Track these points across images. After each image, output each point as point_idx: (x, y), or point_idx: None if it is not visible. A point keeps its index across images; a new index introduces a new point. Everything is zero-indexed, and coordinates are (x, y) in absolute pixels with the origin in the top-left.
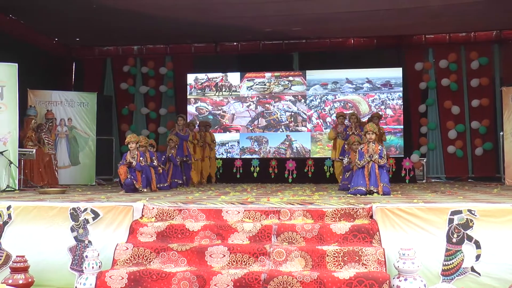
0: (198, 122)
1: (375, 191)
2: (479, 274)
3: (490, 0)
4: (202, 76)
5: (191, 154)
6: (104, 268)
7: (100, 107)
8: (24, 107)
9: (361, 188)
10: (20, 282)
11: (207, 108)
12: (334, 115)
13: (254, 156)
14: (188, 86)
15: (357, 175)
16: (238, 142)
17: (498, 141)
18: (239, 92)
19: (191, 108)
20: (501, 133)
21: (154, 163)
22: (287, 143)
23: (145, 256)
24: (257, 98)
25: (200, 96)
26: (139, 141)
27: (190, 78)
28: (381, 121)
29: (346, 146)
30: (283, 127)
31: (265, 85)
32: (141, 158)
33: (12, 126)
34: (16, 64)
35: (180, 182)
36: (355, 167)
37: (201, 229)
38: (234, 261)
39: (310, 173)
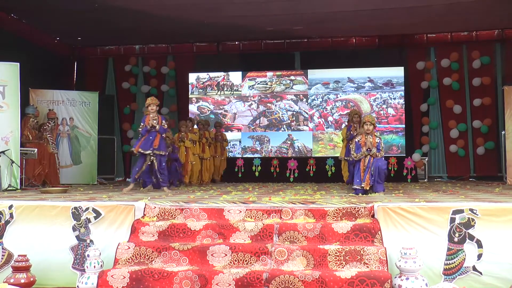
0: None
1: (367, 188)
2: (480, 273)
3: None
4: (203, 75)
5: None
6: (106, 268)
7: (102, 107)
8: (25, 106)
9: (357, 187)
10: (22, 281)
11: (208, 108)
12: (337, 114)
13: (256, 155)
14: (189, 86)
15: (356, 171)
16: (240, 141)
17: (500, 140)
18: (240, 91)
19: (192, 108)
20: (503, 132)
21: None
22: (289, 142)
23: (147, 256)
24: (259, 97)
25: (202, 96)
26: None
27: (192, 77)
28: (383, 121)
29: (350, 145)
30: (284, 126)
31: (266, 84)
32: (163, 122)
33: (14, 125)
34: (18, 64)
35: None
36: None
37: (202, 228)
38: (235, 260)
39: (312, 172)
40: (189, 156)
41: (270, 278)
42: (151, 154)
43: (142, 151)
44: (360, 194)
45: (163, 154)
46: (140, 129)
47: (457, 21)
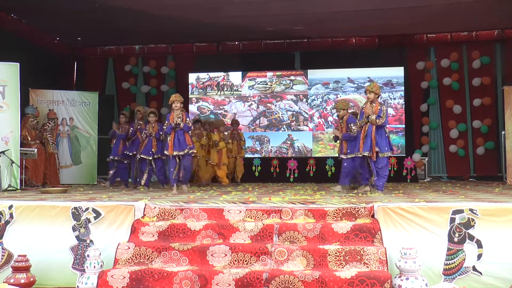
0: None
1: (368, 155)
2: (480, 273)
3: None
4: (203, 75)
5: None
6: (106, 268)
7: (102, 107)
8: (25, 106)
9: (358, 154)
10: (22, 281)
11: (208, 108)
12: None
13: (256, 155)
14: (189, 86)
15: (358, 138)
16: None
17: (500, 140)
18: (240, 91)
19: (192, 108)
20: (503, 132)
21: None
22: (289, 142)
23: (147, 256)
24: (259, 98)
25: (202, 96)
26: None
27: (192, 77)
28: None
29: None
30: (284, 126)
31: (266, 84)
32: (187, 119)
33: (13, 125)
34: (18, 64)
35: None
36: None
37: (202, 229)
38: (235, 261)
39: (312, 172)
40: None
41: (270, 278)
42: (187, 153)
43: (177, 153)
44: (360, 194)
45: (195, 152)
46: (165, 127)
47: (457, 21)
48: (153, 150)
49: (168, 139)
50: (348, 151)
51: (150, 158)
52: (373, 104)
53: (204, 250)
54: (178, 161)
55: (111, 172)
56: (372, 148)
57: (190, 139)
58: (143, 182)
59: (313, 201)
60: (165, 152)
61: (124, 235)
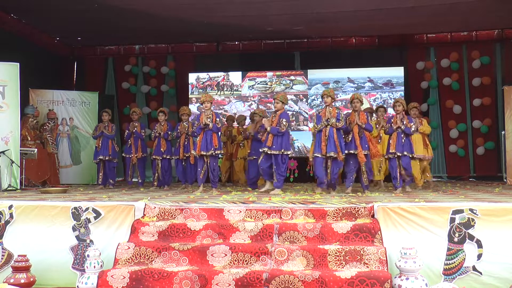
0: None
1: (334, 156)
2: (480, 273)
3: None
4: (203, 75)
5: (116, 152)
6: (106, 268)
7: (102, 107)
8: (25, 106)
9: (317, 155)
10: (22, 281)
11: None
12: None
13: None
14: (189, 86)
15: (317, 142)
16: None
17: (500, 140)
18: (240, 91)
19: (192, 108)
20: (503, 132)
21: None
22: None
23: (147, 256)
24: (259, 98)
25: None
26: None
27: (192, 77)
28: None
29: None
30: None
31: (266, 84)
32: (217, 120)
33: (13, 125)
34: (18, 64)
35: (112, 182)
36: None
37: (202, 229)
38: (235, 261)
39: (312, 172)
40: None
41: (270, 278)
42: (212, 154)
43: (204, 153)
44: (327, 189)
45: (222, 152)
46: (194, 128)
47: (457, 21)
48: (162, 149)
49: (197, 140)
50: (274, 146)
51: (160, 158)
52: (330, 108)
53: (204, 250)
54: (205, 161)
55: (101, 174)
56: (336, 149)
57: (218, 140)
58: (155, 183)
59: (313, 201)
60: (192, 152)
61: (124, 235)
